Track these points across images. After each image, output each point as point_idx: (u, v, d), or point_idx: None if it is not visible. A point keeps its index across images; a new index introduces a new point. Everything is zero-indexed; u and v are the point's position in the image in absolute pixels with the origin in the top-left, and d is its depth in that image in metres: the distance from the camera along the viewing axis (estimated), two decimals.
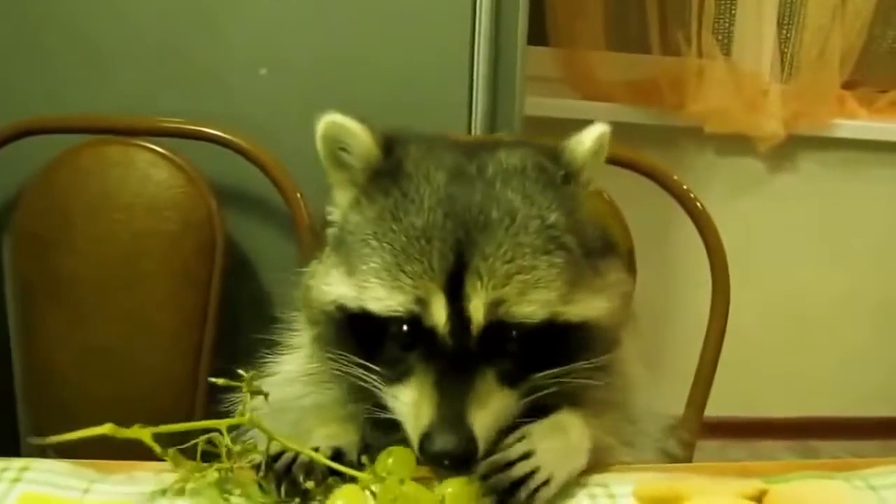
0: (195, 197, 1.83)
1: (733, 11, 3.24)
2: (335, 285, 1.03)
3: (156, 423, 0.94)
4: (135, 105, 1.90)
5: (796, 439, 3.53)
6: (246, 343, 2.00)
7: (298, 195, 1.78)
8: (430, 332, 0.95)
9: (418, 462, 0.95)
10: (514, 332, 0.96)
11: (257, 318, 2.00)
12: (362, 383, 0.99)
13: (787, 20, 3.23)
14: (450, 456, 0.91)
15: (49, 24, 1.89)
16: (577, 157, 1.05)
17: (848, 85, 3.36)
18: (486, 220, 0.97)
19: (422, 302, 0.95)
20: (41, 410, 1.91)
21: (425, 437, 0.92)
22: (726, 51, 3.26)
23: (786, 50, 3.25)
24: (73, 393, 1.82)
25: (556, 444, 0.97)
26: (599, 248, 1.07)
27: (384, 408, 0.99)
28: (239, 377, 0.96)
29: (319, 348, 1.08)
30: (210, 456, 0.96)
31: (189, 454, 0.96)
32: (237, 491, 0.97)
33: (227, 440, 0.95)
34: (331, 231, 1.09)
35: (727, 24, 3.25)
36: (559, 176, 1.04)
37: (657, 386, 1.18)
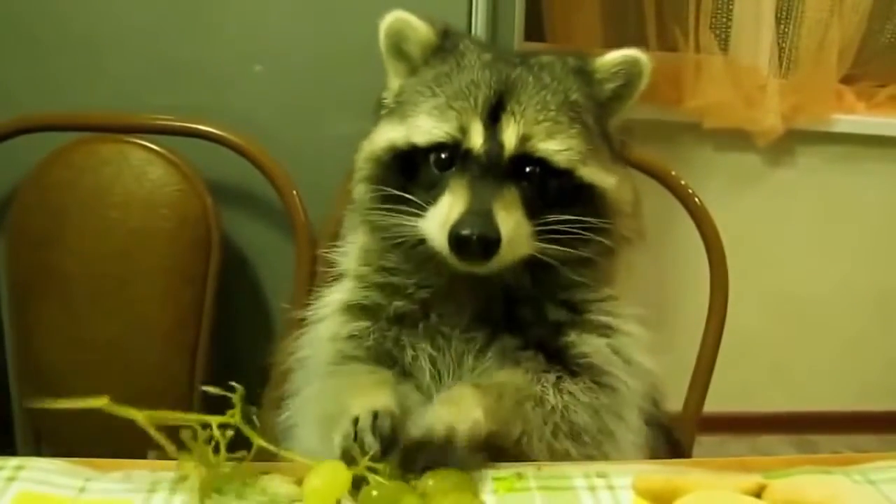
0: (190, 194, 1.82)
1: (731, 6, 3.23)
2: (386, 133, 1.17)
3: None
4: (129, 102, 1.90)
5: (795, 434, 3.54)
6: (241, 340, 2.01)
7: (294, 192, 1.78)
8: (467, 154, 1.10)
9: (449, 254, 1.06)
10: (537, 169, 1.10)
11: (253, 315, 2.02)
12: (402, 216, 1.11)
13: (785, 15, 3.22)
14: (478, 238, 1.03)
15: (43, 21, 1.88)
16: (603, 65, 1.19)
17: (846, 79, 3.36)
18: (522, 83, 1.13)
19: (463, 130, 1.10)
20: (37, 408, 1.90)
21: (455, 225, 1.04)
22: (724, 46, 3.25)
23: (784, 45, 3.25)
24: (68, 390, 1.81)
25: (441, 408, 1.02)
26: (618, 151, 1.21)
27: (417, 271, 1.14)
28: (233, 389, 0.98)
29: (362, 220, 1.21)
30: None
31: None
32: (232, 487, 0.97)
33: (216, 434, 0.95)
34: (383, 111, 1.23)
35: (725, 19, 3.24)
36: (586, 74, 1.19)
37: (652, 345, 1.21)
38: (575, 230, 1.09)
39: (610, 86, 1.19)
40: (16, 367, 1.92)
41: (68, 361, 1.81)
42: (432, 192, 1.10)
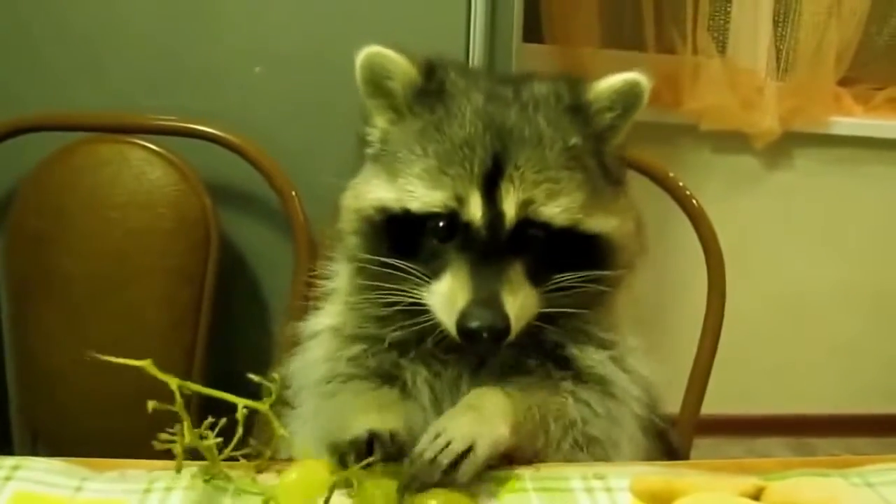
0: (189, 195, 1.82)
1: (729, 9, 3.24)
2: (376, 191, 1.13)
3: (148, 421, 0.94)
4: (129, 103, 1.90)
5: (793, 436, 3.54)
6: (239, 340, 2.00)
7: (293, 192, 1.78)
8: (466, 227, 1.06)
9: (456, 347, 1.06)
10: (540, 233, 1.07)
11: (251, 316, 2.02)
12: (397, 280, 1.08)
13: (783, 17, 3.23)
14: (487, 330, 1.00)
15: (43, 22, 1.88)
16: (600, 93, 1.15)
17: (844, 82, 3.37)
18: (518, 136, 1.09)
19: (460, 199, 1.06)
20: (34, 407, 1.91)
21: (462, 316, 1.01)
22: (722, 48, 3.25)
23: (781, 47, 3.25)
24: (66, 390, 1.82)
25: (465, 417, 1.01)
26: (616, 178, 1.18)
27: (412, 318, 1.09)
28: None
29: (355, 268, 1.17)
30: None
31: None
32: (230, 486, 0.97)
33: (211, 438, 0.96)
34: (369, 150, 1.18)
35: (723, 22, 3.25)
36: (582, 107, 1.15)
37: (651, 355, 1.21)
38: (580, 283, 1.08)
39: (608, 115, 1.16)
40: (14, 367, 1.93)
41: (66, 360, 1.81)
42: (433, 264, 1.07)
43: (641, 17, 3.20)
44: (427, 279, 1.07)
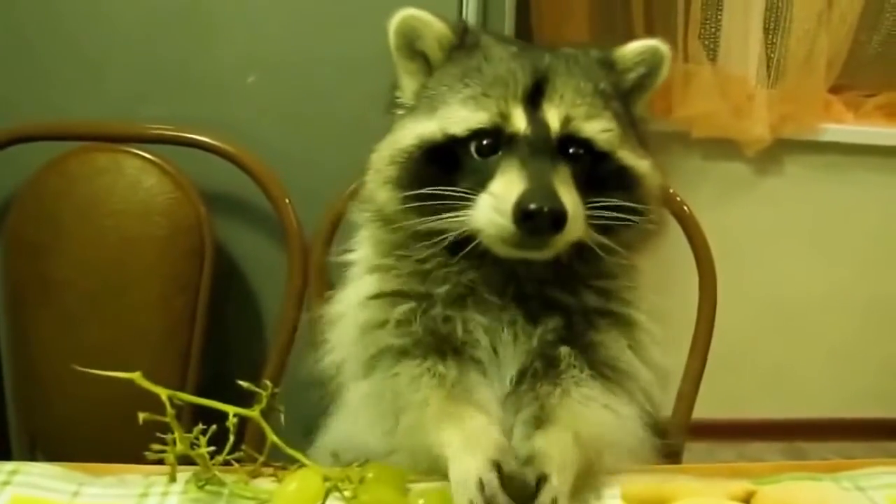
0: (184, 203, 1.83)
1: (719, 17, 3.24)
2: (414, 128, 1.13)
3: (145, 426, 0.95)
4: (124, 112, 1.91)
5: (785, 441, 3.54)
6: (234, 347, 2.01)
7: (286, 201, 1.79)
8: (511, 139, 1.07)
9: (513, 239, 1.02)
10: (582, 151, 1.09)
11: (245, 322, 2.03)
12: (439, 211, 1.06)
13: (774, 25, 3.23)
14: (548, 212, 0.99)
15: (39, 31, 1.89)
16: (625, 53, 1.20)
17: (834, 89, 3.37)
18: (556, 70, 1.12)
19: (504, 116, 1.08)
20: (31, 413, 1.91)
21: (521, 199, 1.00)
22: (713, 56, 3.25)
23: (772, 55, 3.25)
24: (63, 396, 1.82)
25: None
26: (642, 137, 1.20)
27: (459, 254, 1.08)
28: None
29: (387, 227, 1.16)
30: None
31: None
32: (225, 490, 0.98)
33: (203, 446, 0.97)
34: (400, 111, 1.20)
35: (713, 30, 3.26)
36: (610, 65, 1.19)
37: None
38: (619, 215, 1.07)
39: (632, 75, 1.20)
40: (11, 373, 1.93)
41: (63, 367, 1.81)
42: (477, 180, 1.06)
43: (632, 24, 3.21)
44: (474, 195, 1.05)
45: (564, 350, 1.12)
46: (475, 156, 1.08)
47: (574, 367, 1.11)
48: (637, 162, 1.14)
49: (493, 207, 1.03)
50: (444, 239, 1.08)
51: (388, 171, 1.14)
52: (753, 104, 3.21)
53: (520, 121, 1.08)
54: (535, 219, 0.99)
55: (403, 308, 1.12)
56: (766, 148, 3.27)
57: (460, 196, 1.05)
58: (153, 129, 1.85)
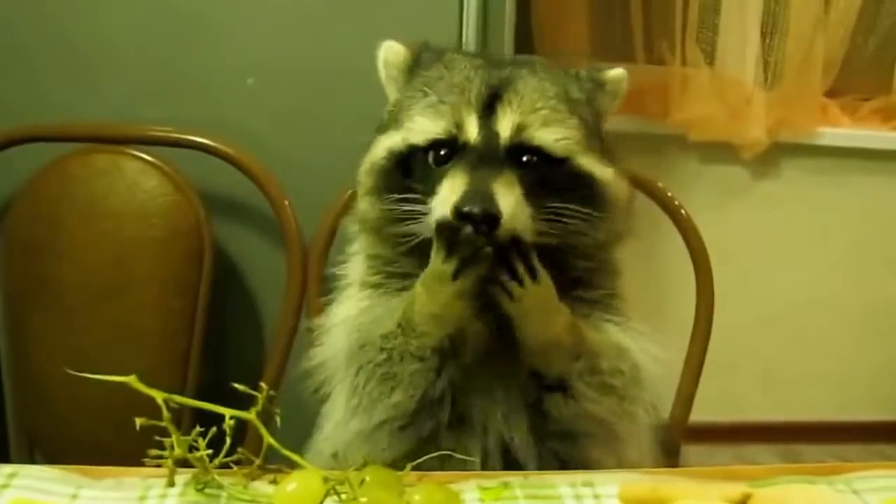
0: (183, 205, 1.83)
1: (717, 21, 3.24)
2: (384, 143, 1.18)
3: (144, 428, 0.95)
4: (123, 114, 1.91)
5: (781, 443, 3.54)
6: (233, 349, 2.01)
7: (286, 202, 1.79)
8: (464, 147, 1.10)
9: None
10: (534, 159, 1.11)
11: (245, 324, 2.03)
12: (408, 216, 1.11)
13: (771, 29, 3.24)
14: (480, 214, 1.03)
15: (37, 33, 1.89)
16: (594, 74, 1.23)
17: (831, 93, 3.38)
18: (518, 77, 1.15)
19: (459, 125, 1.11)
20: (31, 415, 1.91)
21: (456, 205, 1.04)
22: (710, 59, 3.26)
23: (769, 58, 3.26)
24: (62, 398, 1.82)
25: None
26: (612, 153, 1.21)
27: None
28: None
29: (369, 236, 1.21)
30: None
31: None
32: (224, 493, 0.98)
33: (202, 449, 0.97)
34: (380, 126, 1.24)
35: (711, 34, 3.26)
36: (598, 83, 1.22)
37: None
38: (574, 219, 1.11)
39: (613, 101, 1.23)
40: (10, 375, 1.93)
41: (61, 369, 1.81)
42: (433, 188, 1.10)
43: (631, 28, 3.22)
44: (430, 195, 1.10)
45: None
46: (432, 165, 1.12)
47: None
48: (599, 169, 1.16)
49: (437, 210, 1.08)
50: (409, 242, 1.13)
51: (366, 182, 1.20)
52: (750, 107, 3.22)
53: (472, 129, 1.11)
54: (470, 220, 1.03)
55: (391, 325, 1.15)
56: (763, 151, 3.28)
57: (420, 200, 1.11)
58: (153, 131, 1.85)
